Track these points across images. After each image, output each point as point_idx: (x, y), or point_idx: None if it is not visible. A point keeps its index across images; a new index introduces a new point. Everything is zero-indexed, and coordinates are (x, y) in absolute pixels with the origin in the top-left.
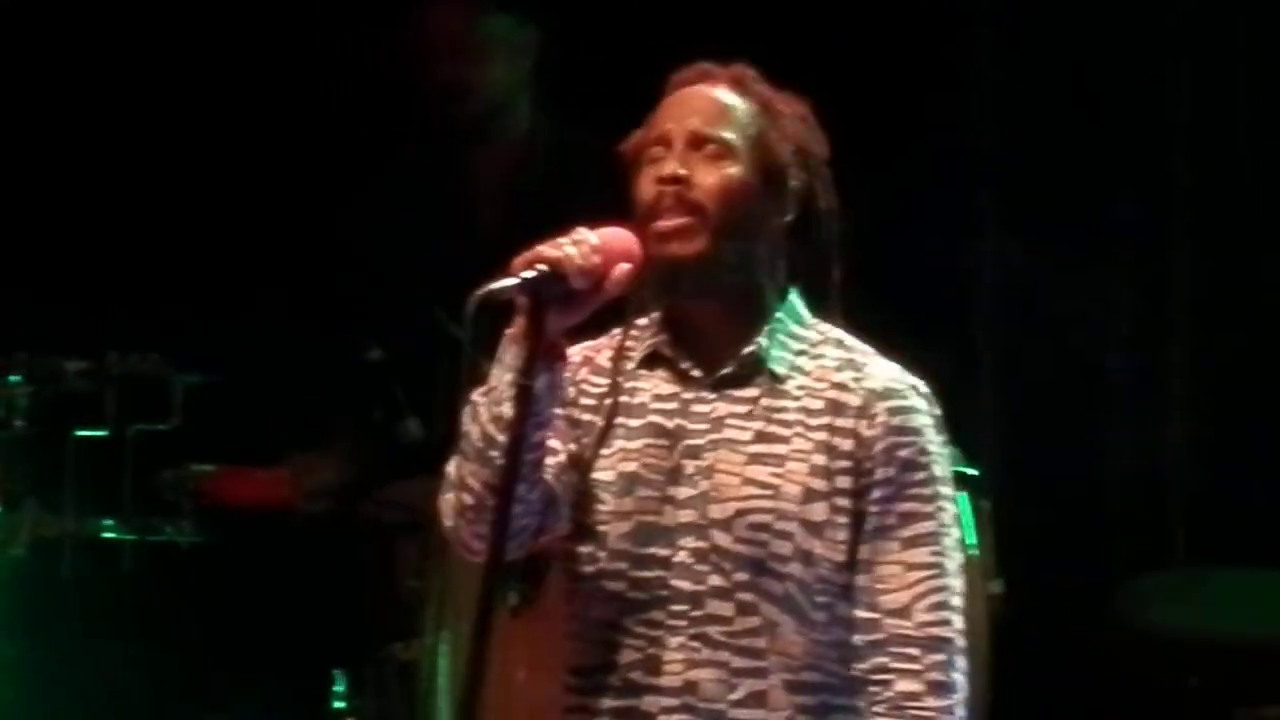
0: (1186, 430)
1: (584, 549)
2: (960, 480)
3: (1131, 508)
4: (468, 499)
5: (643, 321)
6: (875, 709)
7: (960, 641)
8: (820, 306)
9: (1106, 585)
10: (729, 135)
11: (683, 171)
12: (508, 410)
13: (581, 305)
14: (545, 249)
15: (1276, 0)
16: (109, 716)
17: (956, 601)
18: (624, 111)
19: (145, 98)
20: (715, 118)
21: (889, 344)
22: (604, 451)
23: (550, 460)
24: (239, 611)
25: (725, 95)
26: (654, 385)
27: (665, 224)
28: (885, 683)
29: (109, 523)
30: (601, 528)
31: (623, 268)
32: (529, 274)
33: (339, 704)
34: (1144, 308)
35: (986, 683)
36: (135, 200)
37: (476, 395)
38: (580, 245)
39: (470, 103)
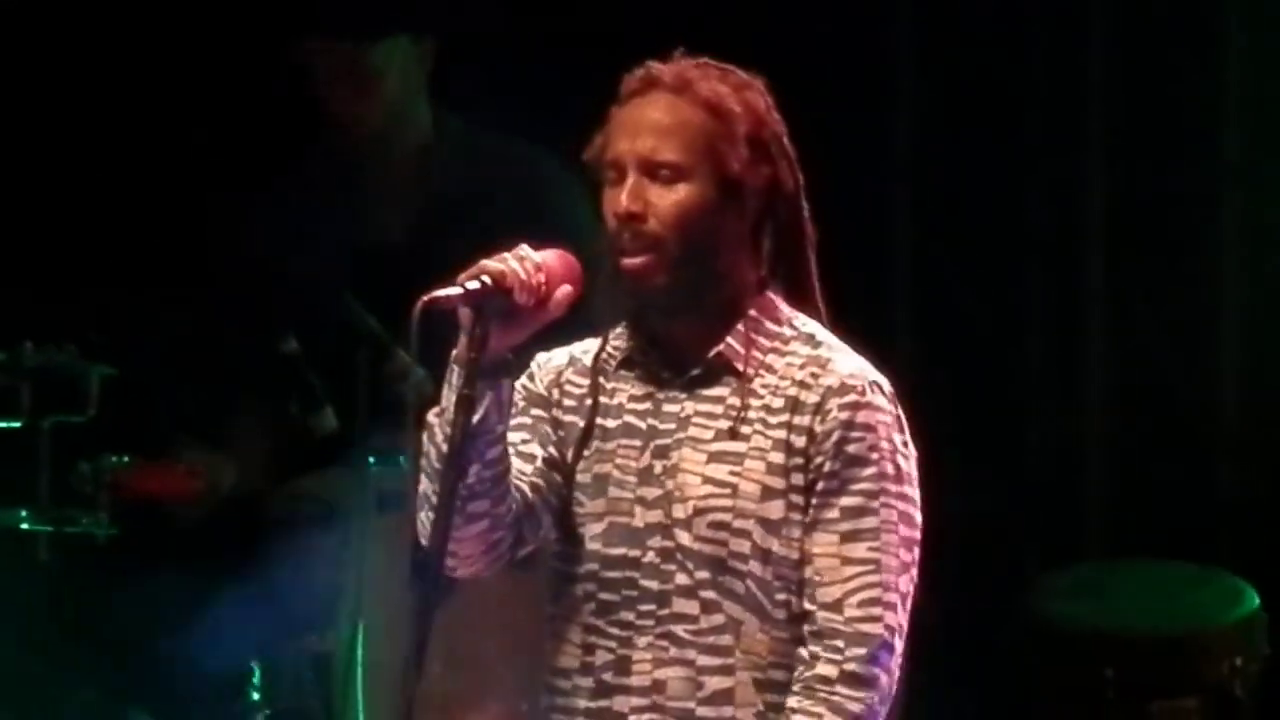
0: (1100, 425)
1: (566, 550)
2: None
3: (1046, 502)
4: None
5: (620, 327)
6: (793, 688)
7: (891, 639)
8: (798, 293)
9: (1021, 579)
10: (678, 157)
11: (637, 208)
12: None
13: (523, 323)
14: (489, 262)
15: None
16: (26, 708)
17: (892, 599)
18: (527, 110)
19: (55, 93)
20: (665, 139)
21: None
22: (584, 452)
23: (527, 468)
24: (155, 603)
25: (675, 109)
26: (630, 386)
27: (627, 263)
28: (805, 665)
29: (25, 514)
30: (579, 529)
31: (565, 289)
32: (473, 285)
33: (255, 695)
34: (1058, 302)
35: (901, 677)
36: (48, 193)
37: (431, 415)
38: (524, 262)
39: (358, 133)
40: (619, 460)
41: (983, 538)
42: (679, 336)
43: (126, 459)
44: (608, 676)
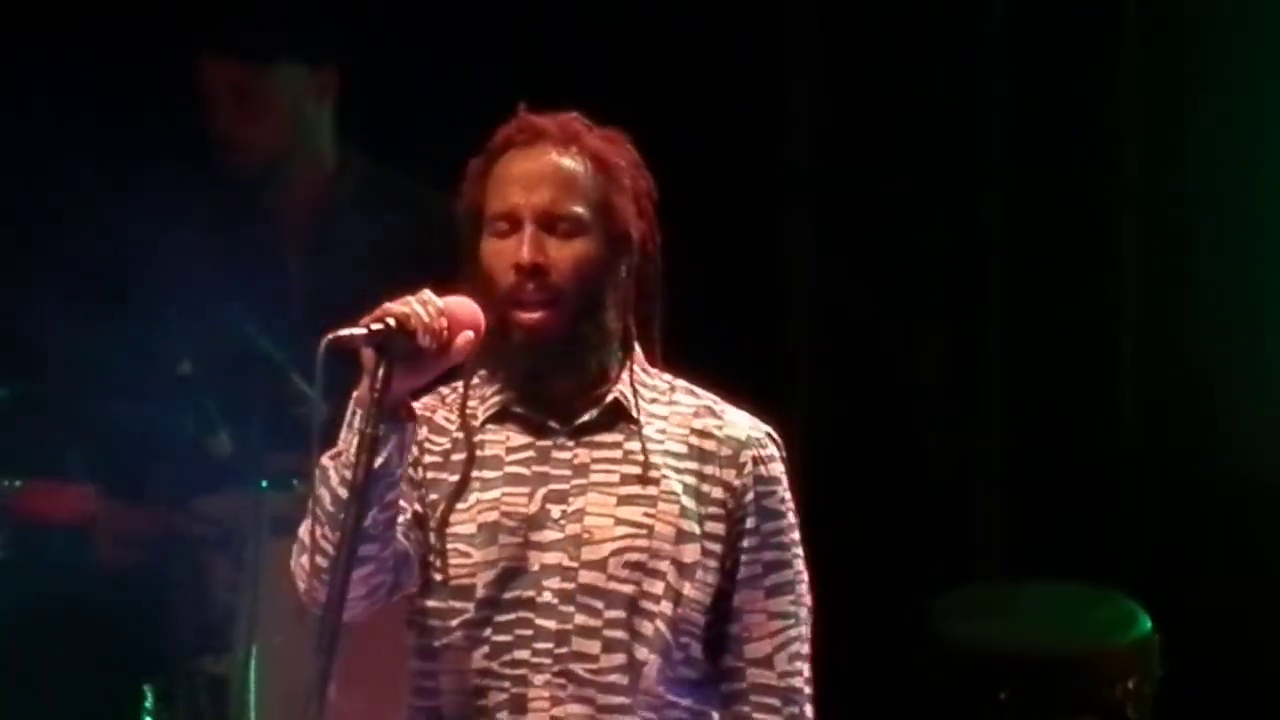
0: (997, 444)
1: (448, 604)
2: None
3: (942, 522)
4: (320, 561)
5: (476, 380)
6: None
7: (810, 691)
8: (648, 346)
9: (918, 598)
10: (579, 210)
11: (541, 261)
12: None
13: (424, 368)
14: (393, 305)
15: (1094, 16)
16: None
17: (808, 649)
18: (427, 145)
19: None
20: (562, 192)
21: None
22: (459, 506)
23: (400, 518)
24: (47, 626)
25: (566, 163)
26: (506, 438)
27: (527, 316)
28: None
29: None
30: (467, 580)
31: (467, 335)
32: (376, 326)
33: (148, 719)
34: (955, 320)
35: None
36: None
37: (325, 459)
38: (427, 306)
39: (242, 157)
40: (504, 508)
41: (879, 557)
42: (563, 388)
43: (18, 482)
44: (503, 716)
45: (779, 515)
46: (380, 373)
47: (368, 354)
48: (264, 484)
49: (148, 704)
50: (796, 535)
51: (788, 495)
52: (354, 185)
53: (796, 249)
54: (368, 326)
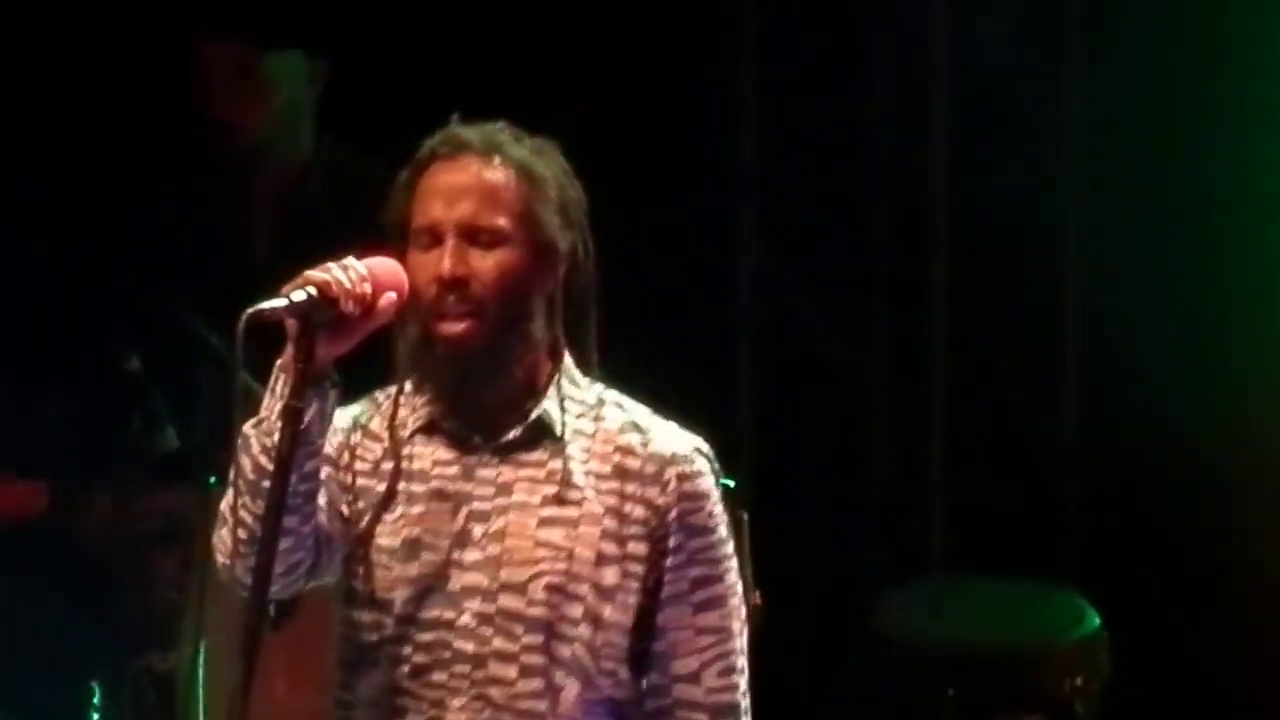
0: (944, 441)
1: (368, 617)
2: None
3: (890, 518)
4: (241, 533)
5: (408, 388)
6: None
7: (744, 704)
8: (583, 358)
9: (865, 596)
10: (500, 221)
11: (462, 272)
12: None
13: (349, 333)
14: (314, 273)
15: (1038, 15)
16: None
17: (741, 663)
18: (405, 140)
19: None
20: (484, 203)
21: (650, 356)
22: (386, 517)
23: (322, 501)
24: None
25: (489, 174)
26: (433, 451)
27: (448, 328)
28: None
29: None
30: (386, 594)
31: (390, 297)
32: (298, 296)
33: (95, 716)
34: (899, 318)
35: None
36: None
37: (247, 428)
38: (349, 271)
39: (241, 139)
40: (429, 525)
41: (826, 554)
42: (488, 401)
43: None
44: None
45: (706, 531)
46: (303, 343)
47: (291, 324)
48: (212, 480)
49: (95, 701)
50: (728, 549)
51: (717, 509)
52: (325, 174)
53: (741, 249)
54: (289, 297)
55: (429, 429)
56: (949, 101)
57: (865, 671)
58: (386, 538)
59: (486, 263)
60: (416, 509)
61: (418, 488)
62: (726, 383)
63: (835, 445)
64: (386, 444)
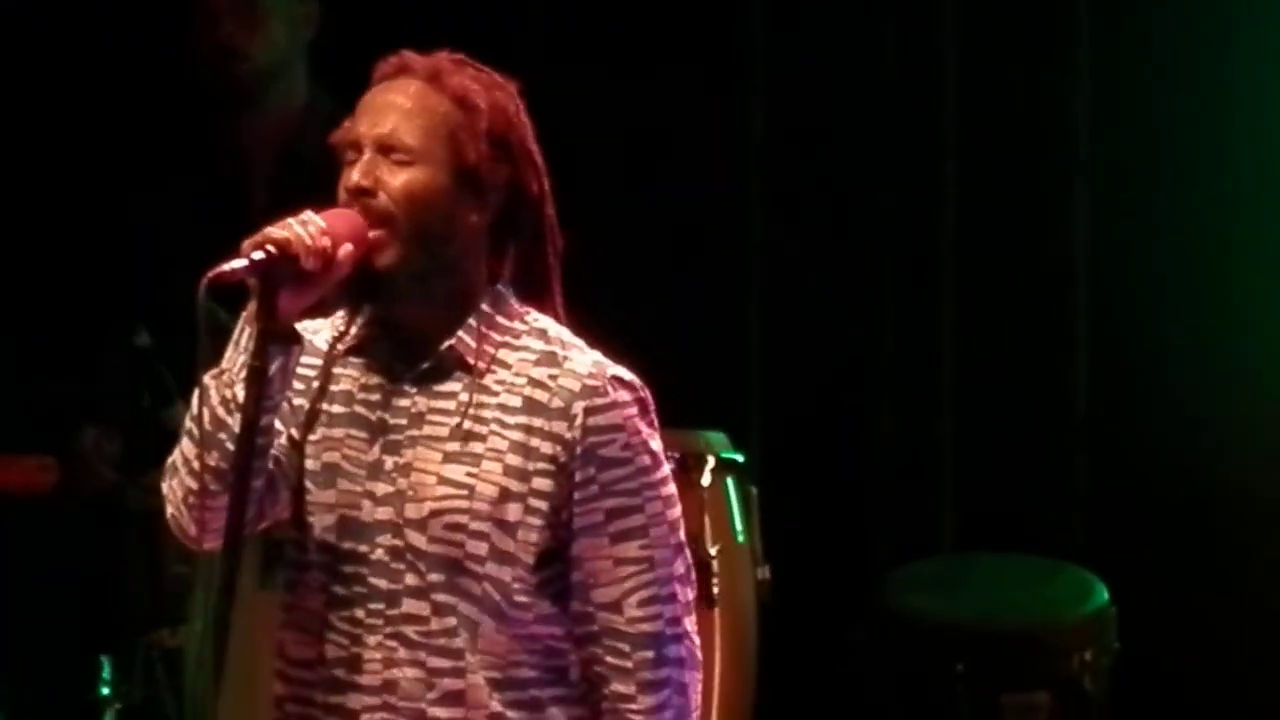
0: (953, 416)
1: (298, 537)
2: (728, 466)
3: (898, 494)
4: (192, 483)
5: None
6: (601, 715)
7: (675, 629)
8: (536, 297)
9: (874, 571)
10: (414, 141)
11: (367, 183)
12: (240, 392)
13: (312, 287)
14: (273, 230)
15: None
16: None
17: (671, 590)
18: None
19: None
20: (403, 122)
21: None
22: (310, 438)
23: (276, 443)
24: (3, 598)
25: (420, 96)
26: (361, 374)
27: None
28: (600, 679)
29: None
30: (310, 518)
31: (347, 248)
32: (258, 255)
33: (105, 691)
34: (909, 292)
35: (755, 667)
36: None
37: (207, 378)
38: (308, 226)
39: (243, 67)
40: (347, 451)
41: (834, 530)
42: (411, 326)
43: None
44: (340, 673)
45: (622, 462)
46: (265, 301)
47: (252, 283)
48: None
49: (104, 675)
50: (651, 479)
51: (635, 440)
52: (320, 125)
53: (750, 227)
54: (249, 256)
55: (358, 350)
56: (959, 79)
57: (874, 648)
58: (310, 459)
59: (396, 179)
60: (337, 432)
61: (339, 409)
62: (736, 360)
63: (845, 422)
64: (320, 362)
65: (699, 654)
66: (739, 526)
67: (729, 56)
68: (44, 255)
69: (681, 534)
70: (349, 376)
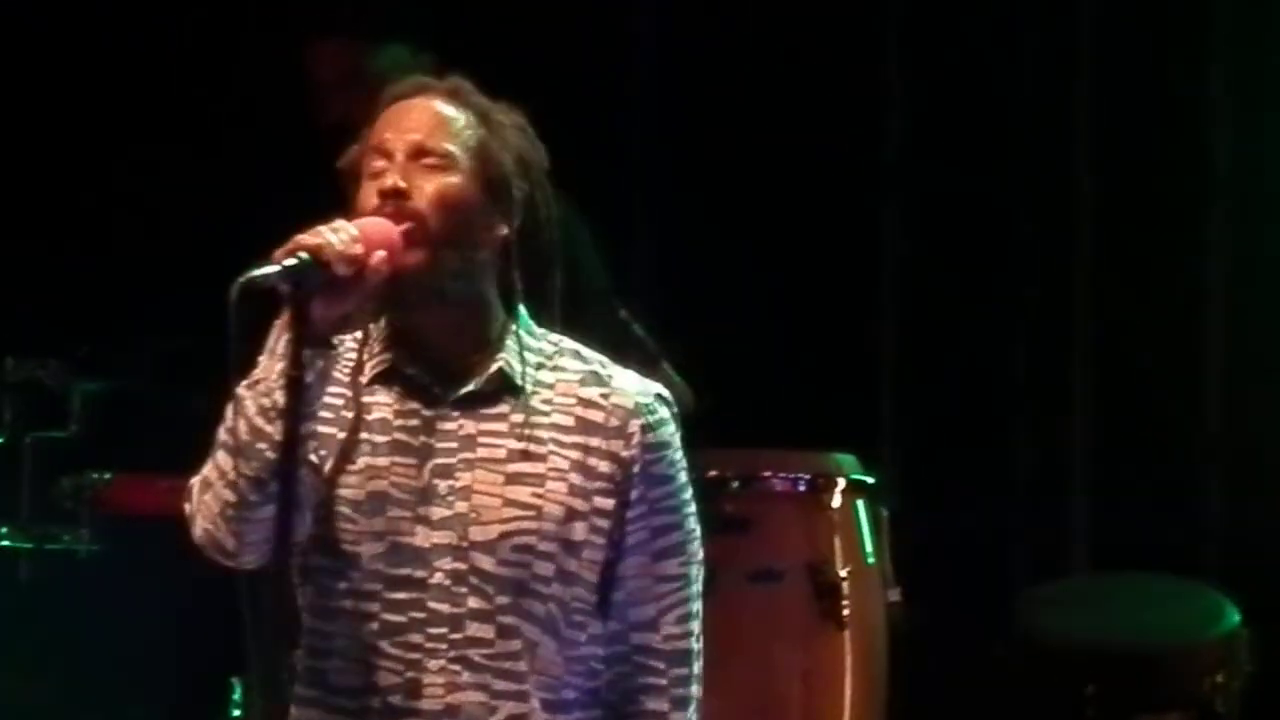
0: (1086, 436)
1: (335, 566)
2: (859, 488)
3: (1032, 515)
4: (229, 495)
5: (374, 334)
6: None
7: (698, 649)
8: (540, 316)
9: (1007, 593)
10: (449, 146)
11: (402, 184)
12: (279, 399)
13: (345, 294)
14: (305, 237)
15: (1184, 7)
16: None
17: (697, 607)
18: None
19: (48, 105)
20: (435, 129)
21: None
22: (349, 467)
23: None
24: (137, 620)
25: (444, 107)
26: (393, 401)
27: None
28: (629, 698)
29: (5, 531)
30: (351, 547)
31: (380, 255)
32: (290, 262)
33: (237, 711)
34: (1044, 314)
35: (885, 689)
36: (32, 205)
37: (242, 389)
38: (340, 233)
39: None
40: (394, 479)
41: (969, 551)
42: (441, 344)
43: (108, 475)
44: (396, 700)
45: (668, 480)
46: (297, 309)
47: (285, 290)
48: None
49: (235, 696)
50: (686, 495)
51: (677, 456)
52: None
53: (885, 242)
54: (280, 263)
55: (387, 376)
56: (1093, 92)
57: (1006, 669)
58: (351, 489)
59: (430, 182)
60: (381, 461)
61: (380, 438)
62: (868, 381)
63: (978, 441)
64: (347, 391)
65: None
66: (869, 548)
67: (864, 74)
68: (177, 279)
69: (702, 553)
70: (381, 404)
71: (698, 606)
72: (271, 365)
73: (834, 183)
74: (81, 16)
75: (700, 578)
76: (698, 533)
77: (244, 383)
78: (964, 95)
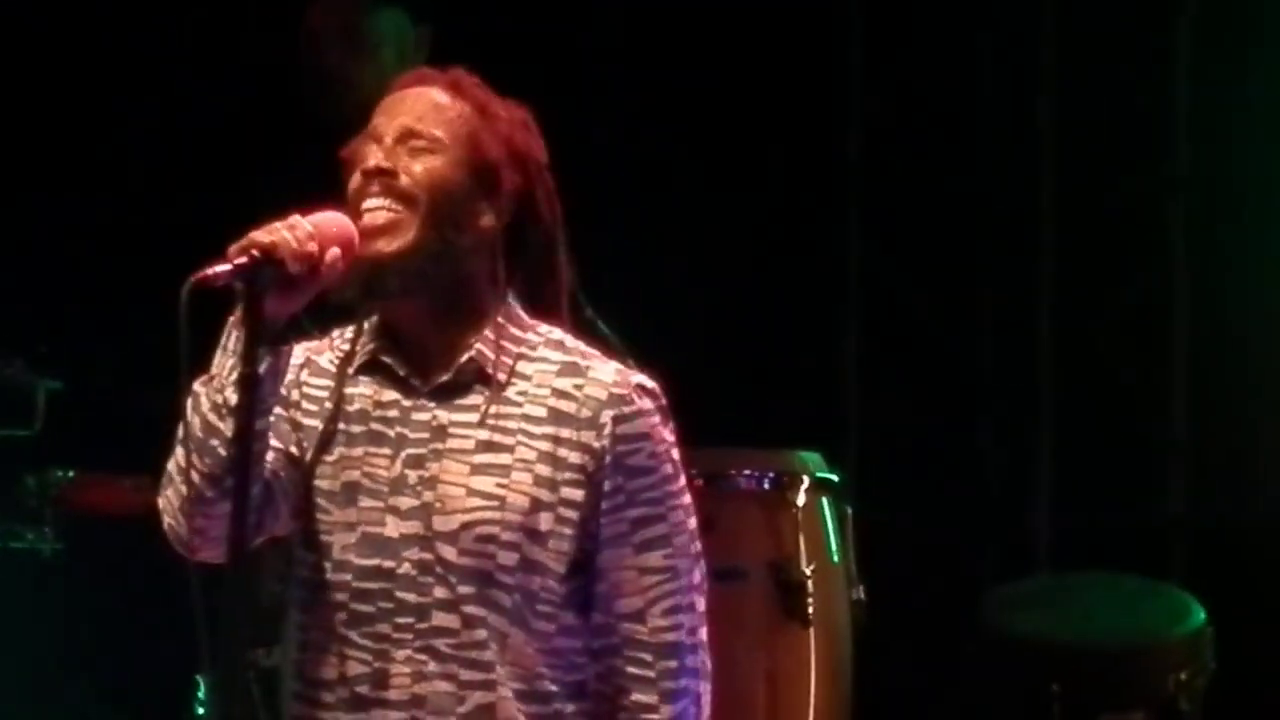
0: (1051, 435)
1: (311, 559)
2: (824, 486)
3: (996, 514)
4: (186, 490)
5: (367, 326)
6: (615, 718)
7: (691, 641)
8: (543, 312)
9: (972, 591)
10: (437, 131)
11: (387, 164)
12: (231, 396)
13: (299, 291)
14: (259, 234)
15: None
16: None
17: (690, 599)
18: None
19: (16, 97)
20: (425, 114)
21: (757, 348)
22: (326, 458)
23: (269, 456)
24: (102, 618)
25: (439, 96)
26: (374, 392)
27: (370, 218)
28: (620, 690)
29: None
30: (325, 538)
31: (334, 253)
32: (242, 259)
33: (201, 710)
34: (1010, 314)
35: (850, 688)
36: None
37: (197, 385)
38: (295, 230)
39: (348, 95)
40: (367, 469)
41: (935, 550)
42: (422, 334)
43: (72, 473)
44: (364, 690)
45: (648, 471)
46: (250, 306)
47: (238, 287)
48: None
49: (199, 695)
50: (674, 488)
51: (660, 448)
52: None
53: (855, 244)
54: (233, 261)
55: (371, 367)
56: (1056, 93)
57: (971, 667)
58: (326, 480)
59: (417, 164)
60: (355, 451)
61: (356, 428)
62: (832, 379)
63: (942, 439)
64: (333, 383)
65: (709, 665)
66: (834, 547)
67: (825, 78)
68: (142, 278)
69: (699, 544)
70: (361, 395)
71: (691, 599)
72: (224, 361)
73: (799, 184)
74: (41, 12)
75: (694, 570)
76: (690, 525)
77: (199, 380)
78: (926, 98)
